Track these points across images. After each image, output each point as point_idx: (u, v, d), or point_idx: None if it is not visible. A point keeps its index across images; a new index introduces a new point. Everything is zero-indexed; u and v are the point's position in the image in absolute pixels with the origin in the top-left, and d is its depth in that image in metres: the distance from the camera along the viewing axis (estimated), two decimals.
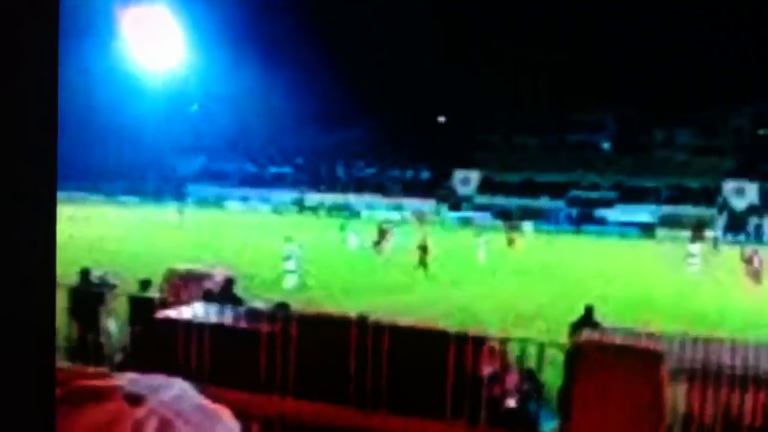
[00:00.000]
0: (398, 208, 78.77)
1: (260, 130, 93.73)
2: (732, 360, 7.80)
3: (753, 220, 69.89)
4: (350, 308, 18.45)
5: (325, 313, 11.71)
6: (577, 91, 79.50)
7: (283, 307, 11.59)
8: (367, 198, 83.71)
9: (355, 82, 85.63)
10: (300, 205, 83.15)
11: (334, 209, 76.89)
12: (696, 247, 36.70)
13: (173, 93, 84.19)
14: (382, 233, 39.22)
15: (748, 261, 33.04)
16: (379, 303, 21.45)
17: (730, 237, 63.03)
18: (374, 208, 77.00)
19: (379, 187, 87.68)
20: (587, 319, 13.50)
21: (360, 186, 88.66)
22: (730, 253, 38.68)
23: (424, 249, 31.13)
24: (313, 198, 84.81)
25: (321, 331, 8.85)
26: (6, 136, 0.59)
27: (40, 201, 0.62)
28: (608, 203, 76.76)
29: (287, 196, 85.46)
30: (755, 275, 31.34)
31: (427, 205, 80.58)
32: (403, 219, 69.00)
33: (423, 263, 30.30)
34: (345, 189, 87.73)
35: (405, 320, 13.97)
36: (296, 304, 14.68)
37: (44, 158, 0.62)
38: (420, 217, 70.86)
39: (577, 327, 12.93)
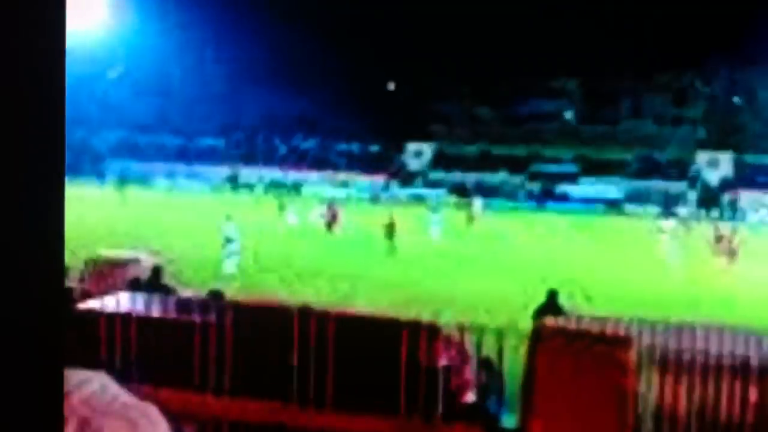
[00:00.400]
0: (344, 185, 78.70)
1: (188, 97, 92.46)
2: (706, 346, 8.00)
3: (727, 195, 71.49)
4: (294, 296, 18.44)
5: (264, 302, 11.65)
6: (538, 56, 79.75)
7: (217, 295, 11.50)
8: (310, 174, 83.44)
9: (295, 44, 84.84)
10: (234, 182, 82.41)
11: (273, 186, 76.41)
12: (667, 224, 37.42)
13: (90, 55, 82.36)
14: (332, 212, 39.53)
15: (719, 239, 33.88)
16: (325, 290, 21.48)
17: (703, 213, 64.45)
18: (317, 185, 76.78)
19: (323, 162, 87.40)
20: (551, 305, 13.72)
21: (301, 160, 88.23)
22: (703, 231, 39.49)
23: (390, 228, 31.58)
24: (248, 174, 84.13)
25: (260, 321, 8.81)
26: None
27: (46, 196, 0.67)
28: (572, 178, 77.75)
29: (219, 171, 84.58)
30: (729, 254, 32.07)
31: (376, 180, 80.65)
32: (349, 197, 69.00)
33: (390, 243, 30.80)
34: (284, 163, 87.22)
35: (353, 308, 14.01)
36: (233, 292, 14.60)
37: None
38: (377, 198, 71.50)
39: (540, 313, 13.12)
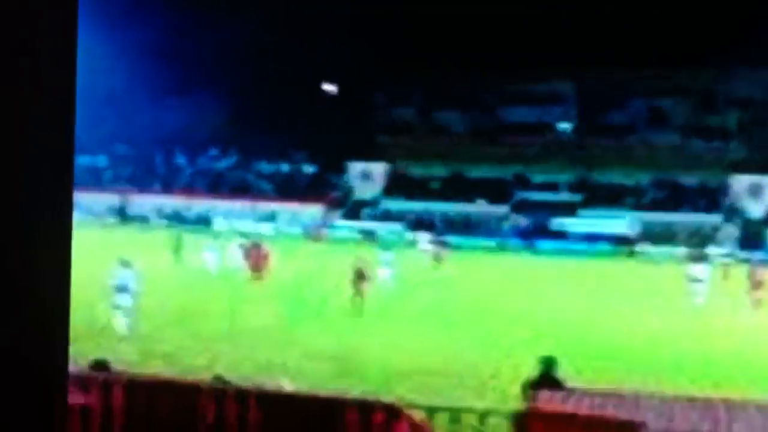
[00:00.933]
0: (270, 217, 78.49)
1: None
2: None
3: None
4: (205, 366, 18.24)
5: (164, 377, 11.54)
6: (525, 50, 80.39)
7: (101, 367, 11.35)
8: (224, 202, 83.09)
9: (205, 38, 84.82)
10: (122, 214, 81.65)
11: (175, 219, 75.86)
12: (701, 270, 37.67)
13: None
14: (259, 253, 39.52)
15: (758, 285, 34.62)
16: (248, 358, 21.29)
17: (743, 255, 64.92)
18: (235, 218, 76.45)
19: (241, 187, 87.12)
20: (546, 377, 13.76)
21: (214, 185, 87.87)
22: (742, 278, 39.99)
23: (360, 276, 31.66)
24: (142, 203, 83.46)
25: (160, 402, 8.71)
26: None
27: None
28: (569, 209, 78.25)
29: (103, 199, 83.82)
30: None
31: (311, 211, 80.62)
32: (278, 232, 68.87)
33: (358, 296, 30.89)
34: (190, 189, 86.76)
35: (282, 383, 13.90)
36: (123, 363, 14.39)
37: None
38: (316, 234, 71.75)
39: (532, 387, 13.15)
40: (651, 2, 75.06)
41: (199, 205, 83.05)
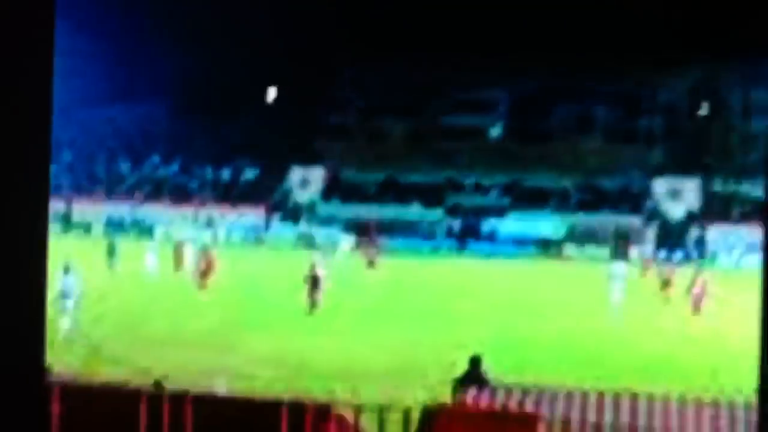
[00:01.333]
0: (209, 223, 77.96)
1: None
2: (649, 422, 8.32)
3: (693, 231, 73.32)
4: (144, 369, 18.15)
5: (104, 382, 11.53)
6: (458, 56, 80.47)
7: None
8: (165, 208, 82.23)
9: (148, 45, 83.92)
10: (66, 220, 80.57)
11: (115, 225, 75.11)
12: (620, 267, 38.26)
13: None
14: (206, 259, 39.21)
15: (666, 283, 35.82)
16: (187, 360, 21.24)
17: (663, 255, 65.76)
18: (174, 224, 75.74)
19: (181, 193, 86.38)
20: (473, 374, 13.96)
21: (155, 191, 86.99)
22: (655, 277, 40.74)
23: (314, 280, 31.71)
24: (84, 209, 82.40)
25: (97, 407, 8.72)
26: None
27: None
28: (499, 212, 78.64)
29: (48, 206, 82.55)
30: (694, 305, 33.27)
31: (253, 215, 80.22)
32: (217, 238, 68.54)
33: (312, 301, 30.99)
34: (130, 195, 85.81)
35: (218, 386, 13.95)
36: (64, 366, 14.32)
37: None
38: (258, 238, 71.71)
39: (461, 383, 13.37)
40: (576, 12, 75.55)
41: (142, 211, 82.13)
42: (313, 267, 32.82)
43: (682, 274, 39.04)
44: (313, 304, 31.35)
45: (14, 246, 1.36)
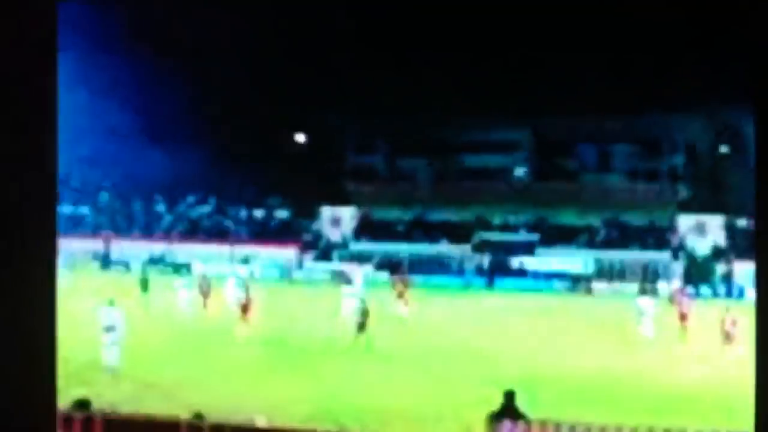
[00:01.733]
0: (246, 260, 78.19)
1: None
2: None
3: (719, 267, 72.66)
4: (182, 404, 18.05)
5: (144, 415, 11.38)
6: (482, 98, 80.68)
7: (83, 406, 11.19)
8: (202, 246, 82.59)
9: (184, 91, 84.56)
10: (105, 260, 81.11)
11: (156, 263, 75.55)
12: (646, 302, 37.96)
13: None
14: (246, 296, 38.94)
15: (683, 317, 35.46)
16: (223, 396, 21.12)
17: (690, 289, 65.48)
18: (211, 261, 76.02)
19: (218, 232, 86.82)
20: (508, 409, 13.75)
21: (192, 230, 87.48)
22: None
23: (364, 314, 32.03)
24: (122, 249, 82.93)
25: None
26: None
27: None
28: (528, 248, 78.57)
29: (83, 245, 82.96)
30: (726, 339, 32.79)
31: (286, 254, 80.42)
32: (252, 275, 68.69)
33: (363, 333, 31.18)
34: (168, 234, 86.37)
35: (257, 420, 13.79)
36: (109, 398, 14.22)
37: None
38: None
39: (495, 419, 13.18)
40: (598, 54, 75.78)
41: (178, 249, 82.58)
42: (363, 302, 33.14)
43: (701, 307, 38.99)
44: (365, 337, 31.54)
45: (22, 288, 1.25)
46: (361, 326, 32.05)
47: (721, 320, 33.36)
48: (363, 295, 35.90)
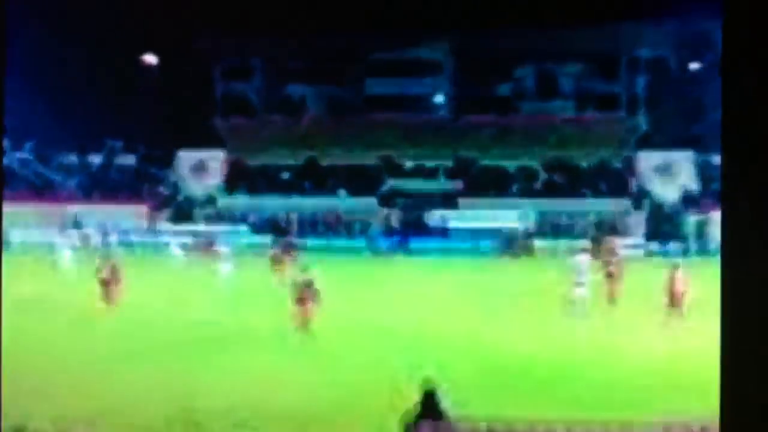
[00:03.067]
0: (77, 224, 77.28)
1: None
2: None
3: (690, 219, 73.69)
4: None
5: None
6: (390, 7, 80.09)
7: None
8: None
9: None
10: None
11: None
12: (580, 261, 37.14)
13: None
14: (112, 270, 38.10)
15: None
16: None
17: (655, 246, 65.97)
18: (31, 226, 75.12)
19: (39, 186, 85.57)
20: (427, 406, 14.39)
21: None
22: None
23: (308, 285, 31.51)
24: None
25: None
26: None
27: None
28: (449, 199, 79.10)
29: None
30: (672, 305, 32.94)
31: (132, 213, 79.51)
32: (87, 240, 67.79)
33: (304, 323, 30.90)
34: None
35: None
36: None
37: None
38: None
39: (414, 421, 13.86)
40: None
41: None
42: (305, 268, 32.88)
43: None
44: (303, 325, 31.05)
45: None
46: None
47: (668, 279, 33.49)
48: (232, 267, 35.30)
